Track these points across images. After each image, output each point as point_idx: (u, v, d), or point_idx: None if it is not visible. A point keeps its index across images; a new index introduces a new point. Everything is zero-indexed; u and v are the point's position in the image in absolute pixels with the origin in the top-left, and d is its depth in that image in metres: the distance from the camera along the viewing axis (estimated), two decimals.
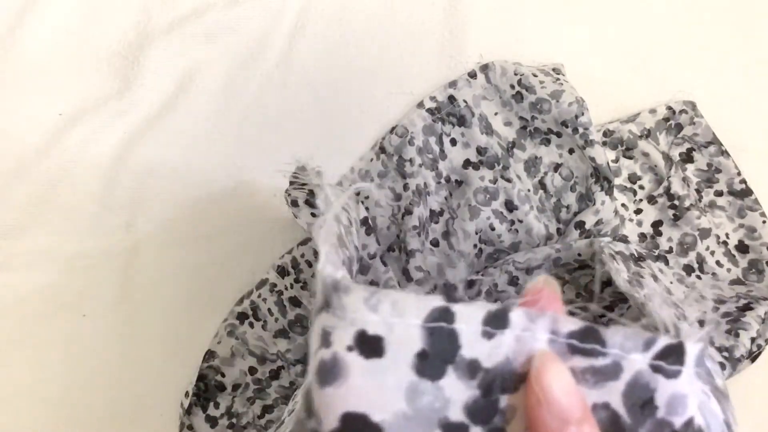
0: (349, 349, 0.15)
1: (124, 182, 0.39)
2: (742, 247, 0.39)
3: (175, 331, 0.39)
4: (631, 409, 0.16)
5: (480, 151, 0.39)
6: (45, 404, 0.38)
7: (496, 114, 0.40)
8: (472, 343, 0.16)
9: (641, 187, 0.40)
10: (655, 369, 0.16)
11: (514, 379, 0.16)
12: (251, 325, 0.38)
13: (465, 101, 0.40)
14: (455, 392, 0.16)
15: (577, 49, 0.42)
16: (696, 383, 0.16)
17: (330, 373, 0.15)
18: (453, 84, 0.40)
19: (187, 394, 0.37)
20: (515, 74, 0.39)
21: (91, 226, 0.39)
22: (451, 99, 0.40)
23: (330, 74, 0.41)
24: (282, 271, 0.38)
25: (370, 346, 0.15)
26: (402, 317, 0.15)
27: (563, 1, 0.42)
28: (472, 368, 0.16)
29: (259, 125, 0.40)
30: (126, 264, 0.39)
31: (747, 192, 0.40)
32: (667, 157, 0.40)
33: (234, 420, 0.38)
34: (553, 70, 0.40)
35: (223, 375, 0.38)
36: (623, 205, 0.40)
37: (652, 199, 0.39)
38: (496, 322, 0.16)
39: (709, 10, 0.43)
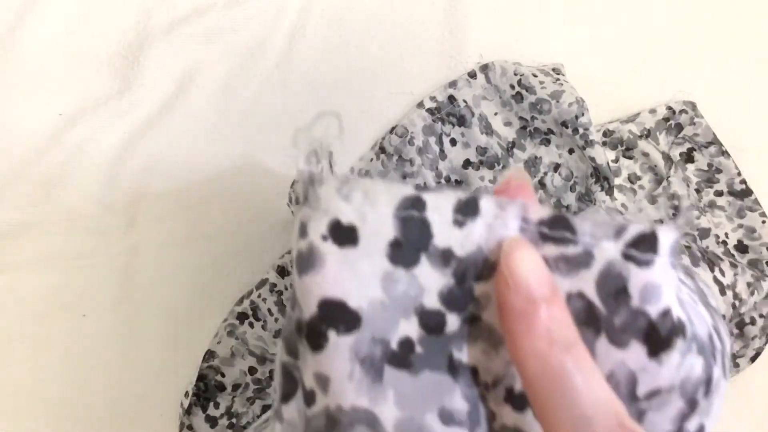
0: (324, 238, 0.16)
1: (124, 182, 0.39)
2: (742, 247, 0.39)
3: (175, 331, 0.39)
4: (605, 298, 0.16)
5: (480, 151, 0.39)
6: (45, 404, 0.38)
7: (496, 114, 0.40)
8: (444, 232, 0.16)
9: (641, 187, 0.40)
10: (627, 257, 0.16)
11: (487, 267, 0.16)
12: (251, 325, 0.38)
13: (465, 101, 0.40)
14: (430, 280, 0.16)
15: (577, 49, 0.42)
16: (671, 273, 0.16)
17: (307, 261, 0.16)
18: (453, 84, 0.40)
19: (187, 394, 0.37)
20: (515, 74, 0.39)
21: (91, 226, 0.39)
22: (451, 99, 0.40)
23: (330, 74, 0.41)
24: (282, 271, 0.38)
25: (344, 234, 0.16)
26: (374, 206, 0.16)
27: (563, 1, 0.42)
28: (445, 256, 0.16)
29: (259, 125, 0.40)
30: (126, 264, 0.39)
31: (747, 192, 0.40)
32: (667, 157, 0.40)
33: (234, 420, 0.38)
34: (553, 70, 0.40)
35: (223, 375, 0.38)
36: (623, 205, 0.40)
37: (652, 199, 0.39)
38: (466, 209, 0.16)
39: (709, 10, 0.43)
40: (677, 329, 0.16)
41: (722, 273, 0.36)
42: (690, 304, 0.18)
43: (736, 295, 0.36)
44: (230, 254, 0.39)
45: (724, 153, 0.40)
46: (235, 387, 0.38)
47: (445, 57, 0.41)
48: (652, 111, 0.40)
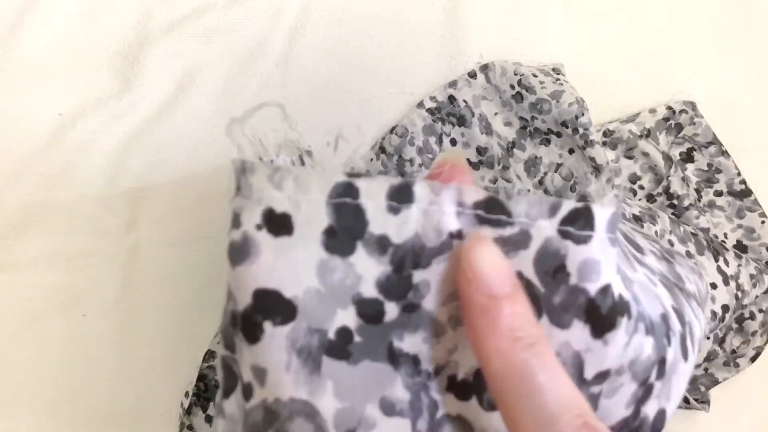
0: (258, 227, 0.15)
1: (124, 182, 0.39)
2: (741, 248, 0.39)
3: (175, 331, 0.39)
4: (544, 277, 0.16)
5: (480, 151, 0.39)
6: (45, 404, 0.38)
7: (496, 114, 0.40)
8: (379, 219, 0.16)
9: (641, 187, 0.40)
10: (564, 235, 0.16)
11: (426, 254, 0.16)
12: None
13: (465, 101, 0.40)
14: (366, 268, 0.16)
15: (577, 49, 0.42)
16: (610, 250, 0.16)
17: (241, 252, 0.15)
18: (453, 84, 0.40)
19: (187, 394, 0.37)
20: (515, 74, 0.39)
21: (91, 226, 0.39)
22: (451, 99, 0.40)
23: (330, 74, 0.41)
24: None
25: (278, 223, 0.15)
26: (306, 194, 0.15)
27: (563, 1, 0.42)
28: (381, 244, 0.16)
29: (259, 125, 0.40)
30: (126, 264, 0.39)
31: (746, 192, 0.40)
32: (667, 157, 0.40)
33: None
34: (553, 70, 0.40)
35: None
36: None
37: (651, 198, 0.39)
38: (400, 196, 0.16)
39: (709, 10, 0.43)
40: (619, 307, 0.16)
41: (726, 263, 0.36)
42: (642, 284, 0.18)
43: (739, 286, 0.36)
44: None
45: (724, 153, 0.40)
46: None
47: (445, 57, 0.41)
48: (652, 111, 0.40)
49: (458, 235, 0.16)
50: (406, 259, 0.16)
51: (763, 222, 0.39)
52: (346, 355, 0.16)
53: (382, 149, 0.39)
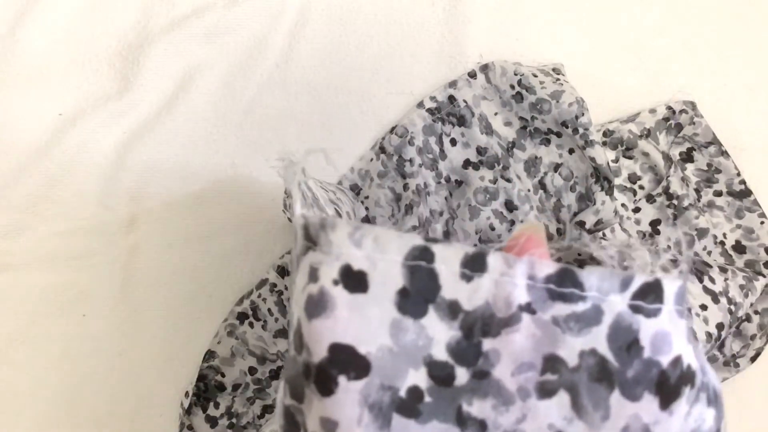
0: (335, 282, 0.16)
1: (124, 182, 0.39)
2: (739, 248, 0.39)
3: (175, 331, 0.39)
4: (618, 352, 0.16)
5: (480, 151, 0.39)
6: (45, 404, 0.38)
7: (496, 114, 0.40)
8: (452, 285, 0.16)
9: (641, 187, 0.40)
10: (635, 309, 0.16)
11: (495, 323, 0.16)
12: (251, 325, 0.38)
13: (465, 101, 0.40)
14: (437, 332, 0.16)
15: (577, 49, 0.42)
16: (678, 321, 0.16)
17: (317, 306, 0.16)
18: (453, 84, 0.40)
19: (187, 394, 0.37)
20: (515, 74, 0.39)
21: (91, 226, 0.39)
22: (451, 99, 0.40)
23: (330, 74, 0.41)
24: (282, 271, 0.38)
25: (354, 280, 0.16)
26: (384, 253, 0.16)
27: (563, 1, 0.42)
28: (452, 309, 0.16)
29: (259, 125, 0.40)
30: (126, 264, 0.39)
31: (746, 193, 0.40)
32: (667, 157, 0.40)
33: (234, 420, 0.38)
34: (553, 70, 0.40)
35: (223, 375, 0.38)
36: (623, 205, 0.40)
37: (650, 198, 0.39)
38: (474, 264, 0.16)
39: (708, 10, 0.43)
40: (686, 377, 0.16)
41: (712, 281, 0.37)
42: (697, 348, 0.19)
43: (730, 300, 0.36)
44: (230, 254, 0.39)
45: (724, 153, 0.40)
46: (235, 387, 0.38)
47: (445, 57, 0.41)
48: (652, 111, 0.40)
49: (528, 308, 0.16)
50: (475, 327, 0.16)
51: (762, 222, 0.39)
52: (416, 413, 0.16)
53: (382, 149, 0.39)
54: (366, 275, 0.16)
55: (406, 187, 0.38)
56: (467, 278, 0.16)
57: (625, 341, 0.16)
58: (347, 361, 0.16)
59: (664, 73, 0.42)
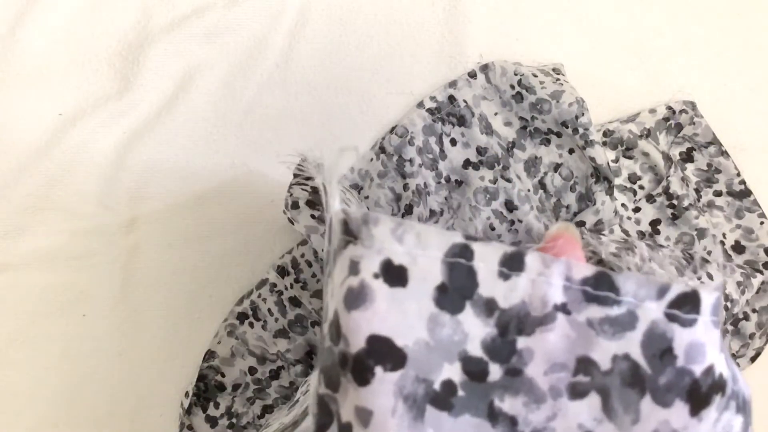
0: (376, 276, 0.16)
1: (124, 182, 0.39)
2: (739, 248, 0.39)
3: (175, 331, 0.39)
4: (651, 359, 0.16)
5: (480, 151, 0.39)
6: (45, 404, 0.38)
7: (496, 114, 0.40)
8: (489, 282, 0.16)
9: (641, 187, 0.40)
10: (671, 318, 0.16)
11: (530, 322, 0.16)
12: (251, 325, 0.38)
13: (465, 101, 0.40)
14: (473, 328, 0.16)
15: (577, 49, 0.42)
16: (713, 331, 0.16)
17: (357, 297, 0.16)
18: (453, 84, 0.40)
19: (187, 394, 0.37)
20: (515, 74, 0.39)
21: (91, 226, 0.39)
22: (451, 99, 0.40)
23: (330, 74, 0.41)
24: (282, 271, 0.38)
25: (394, 274, 0.16)
26: (425, 249, 0.16)
27: (563, 1, 0.42)
28: (489, 307, 0.16)
29: (259, 125, 0.40)
30: (126, 264, 0.39)
31: (746, 193, 0.40)
32: (667, 157, 0.40)
33: (234, 420, 0.38)
34: (553, 70, 0.40)
35: (223, 375, 0.38)
36: (623, 205, 0.40)
37: (650, 198, 0.40)
38: (512, 263, 0.16)
39: (708, 10, 0.43)
40: (717, 385, 0.16)
41: (710, 277, 0.37)
42: (728, 357, 0.19)
43: (726, 297, 0.36)
44: (230, 254, 0.39)
45: (724, 153, 0.40)
46: (235, 387, 0.38)
47: (445, 57, 0.41)
48: (652, 111, 0.40)
49: (563, 308, 0.16)
50: (510, 324, 0.16)
51: (762, 223, 0.39)
52: (449, 406, 0.17)
53: (382, 149, 0.39)
54: (406, 270, 0.16)
55: (406, 187, 0.38)
56: (505, 277, 0.16)
57: (659, 349, 0.16)
58: (384, 352, 0.16)
59: (664, 73, 0.42)
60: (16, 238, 0.38)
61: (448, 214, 0.39)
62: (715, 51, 0.42)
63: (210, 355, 0.38)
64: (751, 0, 0.43)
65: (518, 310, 0.16)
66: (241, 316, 0.38)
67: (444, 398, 0.16)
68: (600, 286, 0.16)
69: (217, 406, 0.38)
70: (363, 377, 0.16)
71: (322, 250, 0.37)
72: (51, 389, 0.38)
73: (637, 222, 0.40)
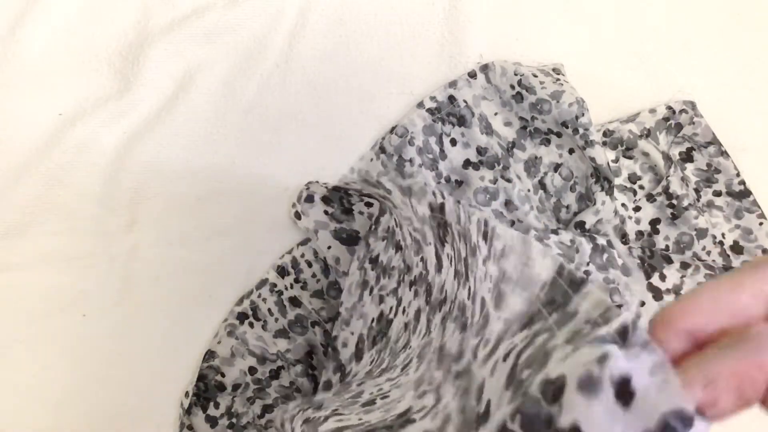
0: (612, 382, 0.14)
1: (124, 182, 0.39)
2: (737, 248, 0.39)
3: (175, 331, 0.39)
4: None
5: (480, 151, 0.39)
6: (45, 404, 0.38)
7: (496, 114, 0.40)
8: None
9: (641, 187, 0.40)
10: None
11: None
12: (251, 325, 0.38)
13: (465, 101, 0.40)
14: None
15: (577, 49, 0.42)
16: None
17: (591, 385, 0.15)
18: (453, 84, 0.40)
19: (187, 394, 0.37)
20: (515, 74, 0.39)
21: (91, 226, 0.39)
22: (451, 99, 0.40)
23: (330, 74, 0.41)
24: (282, 271, 0.38)
25: (625, 393, 0.14)
26: (658, 393, 0.14)
27: (563, 1, 0.42)
28: None
29: (259, 125, 0.40)
30: (126, 264, 0.39)
31: (745, 193, 0.40)
32: (667, 157, 0.40)
33: (234, 420, 0.38)
34: (553, 70, 0.40)
35: (223, 375, 0.38)
36: (623, 205, 0.40)
37: (650, 198, 0.40)
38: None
39: (708, 10, 0.43)
40: None
41: (663, 278, 0.37)
42: None
43: None
44: (230, 254, 0.39)
45: (723, 153, 0.40)
46: (235, 387, 0.38)
47: (445, 57, 0.41)
48: (652, 111, 0.40)
49: None
50: None
51: (761, 224, 0.39)
52: None
53: (382, 149, 0.39)
54: (634, 397, 0.14)
55: None
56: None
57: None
58: None
59: (664, 73, 0.42)
60: (16, 238, 0.38)
61: None
62: (715, 51, 0.42)
63: (210, 355, 0.38)
64: (751, 1, 0.43)
65: None
66: (241, 316, 0.38)
67: None
68: None
69: (217, 406, 0.38)
70: None
71: (329, 248, 0.37)
72: (51, 389, 0.38)
73: (637, 222, 0.40)
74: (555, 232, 0.36)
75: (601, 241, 0.36)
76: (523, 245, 0.19)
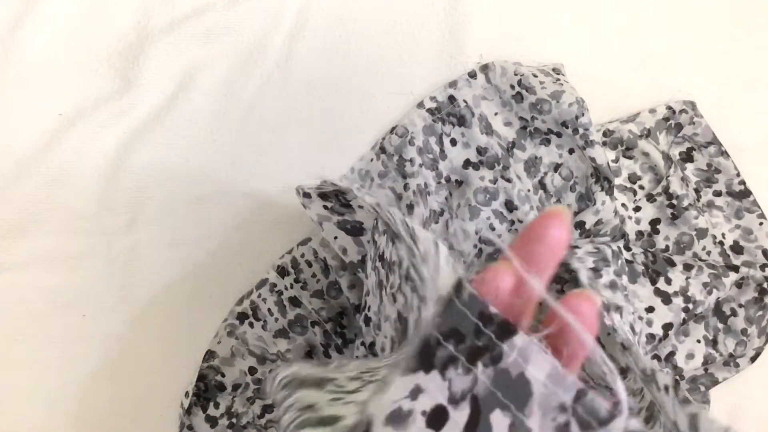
0: (423, 413, 0.17)
1: (124, 182, 0.39)
2: (737, 248, 0.39)
3: (175, 331, 0.39)
4: None
5: (480, 151, 0.39)
6: (45, 404, 0.38)
7: (496, 114, 0.40)
8: None
9: (641, 187, 0.40)
10: None
11: None
12: (251, 325, 0.38)
13: (465, 101, 0.40)
14: None
15: (577, 49, 0.42)
16: None
17: (399, 419, 0.17)
18: (453, 84, 0.40)
19: (187, 394, 0.37)
20: (515, 74, 0.39)
21: (91, 226, 0.39)
22: (451, 99, 0.40)
23: (330, 74, 0.41)
24: (282, 271, 0.38)
25: (437, 419, 0.17)
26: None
27: (563, 1, 0.42)
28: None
29: (259, 125, 0.40)
30: (126, 264, 0.39)
31: (746, 193, 0.40)
32: (667, 157, 0.40)
33: (234, 420, 0.38)
34: (553, 70, 0.40)
35: (223, 375, 0.38)
36: (623, 205, 0.40)
37: (650, 198, 0.40)
38: None
39: (708, 10, 0.43)
40: None
41: (668, 281, 0.37)
42: None
43: (688, 299, 0.37)
44: (230, 254, 0.39)
45: (724, 153, 0.40)
46: (235, 387, 0.38)
47: (445, 57, 0.41)
48: (652, 111, 0.40)
49: None
50: None
51: (761, 224, 0.39)
52: None
53: (382, 149, 0.39)
54: (447, 418, 0.17)
55: (406, 187, 0.38)
56: None
57: None
58: None
59: (664, 73, 0.42)
60: (16, 238, 0.38)
61: (448, 214, 0.39)
62: (715, 51, 0.42)
63: (210, 355, 0.38)
64: (751, 1, 0.43)
65: None
66: (241, 316, 0.38)
67: None
68: None
69: (217, 406, 0.38)
70: None
71: (335, 238, 0.37)
72: (51, 389, 0.38)
73: (637, 222, 0.39)
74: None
75: (614, 247, 0.36)
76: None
